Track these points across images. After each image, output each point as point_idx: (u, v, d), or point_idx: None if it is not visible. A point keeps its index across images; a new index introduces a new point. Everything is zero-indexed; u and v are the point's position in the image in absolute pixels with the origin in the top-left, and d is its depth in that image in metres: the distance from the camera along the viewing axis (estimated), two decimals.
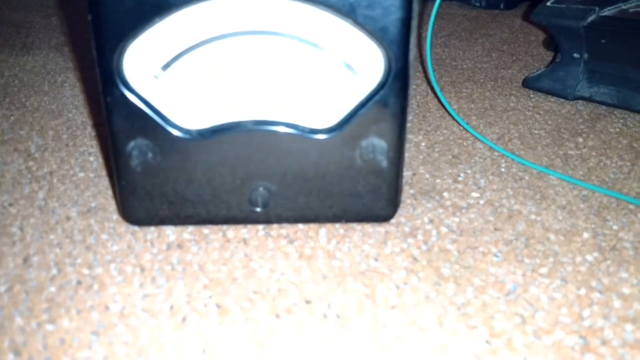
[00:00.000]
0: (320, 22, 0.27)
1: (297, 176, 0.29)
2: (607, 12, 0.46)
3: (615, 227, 0.31)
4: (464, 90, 0.51)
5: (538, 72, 0.51)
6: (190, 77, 0.27)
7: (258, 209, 0.30)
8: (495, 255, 0.29)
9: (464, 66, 0.57)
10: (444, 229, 0.31)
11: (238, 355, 0.23)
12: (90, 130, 0.43)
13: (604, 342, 0.24)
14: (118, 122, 0.27)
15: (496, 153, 0.39)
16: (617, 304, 0.26)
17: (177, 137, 0.28)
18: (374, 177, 0.29)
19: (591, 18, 0.45)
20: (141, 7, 0.25)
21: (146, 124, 0.27)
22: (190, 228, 0.31)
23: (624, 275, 0.28)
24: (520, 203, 0.34)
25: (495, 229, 0.31)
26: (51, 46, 0.63)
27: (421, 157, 0.39)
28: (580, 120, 0.45)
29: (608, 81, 0.46)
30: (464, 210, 0.33)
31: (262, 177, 0.29)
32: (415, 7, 0.27)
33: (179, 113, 0.28)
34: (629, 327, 0.24)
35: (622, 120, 0.45)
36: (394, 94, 0.28)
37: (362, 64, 0.27)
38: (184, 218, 0.30)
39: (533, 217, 0.32)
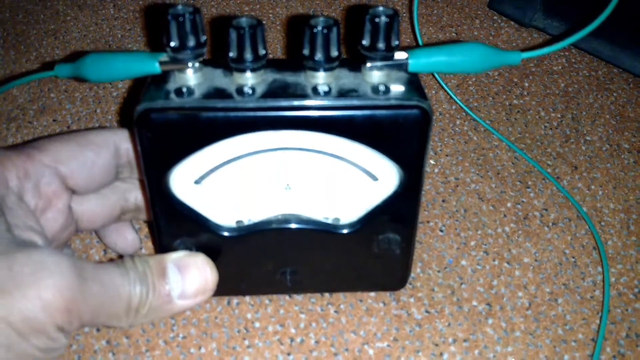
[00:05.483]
0: (345, 144, 0.30)
1: (320, 263, 0.35)
2: None
3: (532, 195, 0.42)
4: (434, 11, 0.57)
5: None
6: (226, 184, 0.32)
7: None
8: (440, 230, 0.40)
9: None
10: None
11: None
12: None
13: (502, 308, 0.37)
14: (165, 226, 0.33)
15: (454, 106, 0.48)
16: (517, 272, 0.38)
17: (215, 235, 0.33)
18: (388, 261, 0.35)
19: None
20: (183, 143, 0.30)
21: (189, 226, 0.33)
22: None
23: (528, 245, 0.40)
24: (466, 171, 0.44)
25: (443, 201, 0.42)
26: None
27: None
28: None
29: (562, 15, 0.52)
30: None
31: (290, 264, 0.35)
32: (430, 134, 0.30)
33: (216, 214, 0.33)
34: (520, 293, 0.37)
35: (565, 55, 0.52)
36: (407, 199, 0.32)
37: (381, 173, 0.32)
38: (224, 290, 0.35)
39: (473, 186, 0.43)
